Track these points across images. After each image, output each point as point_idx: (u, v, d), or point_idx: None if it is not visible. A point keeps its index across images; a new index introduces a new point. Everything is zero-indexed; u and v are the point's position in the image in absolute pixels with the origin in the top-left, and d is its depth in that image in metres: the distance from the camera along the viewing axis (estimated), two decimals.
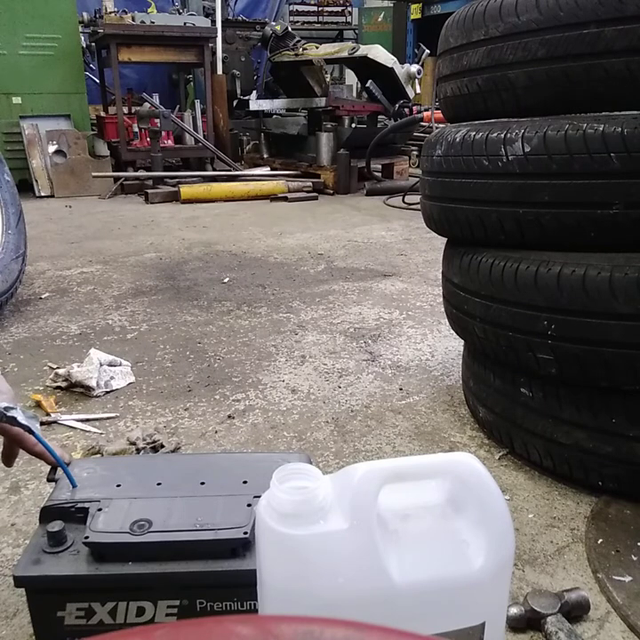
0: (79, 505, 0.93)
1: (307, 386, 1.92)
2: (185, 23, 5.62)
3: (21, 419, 0.91)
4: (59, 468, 1.00)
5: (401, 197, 5.05)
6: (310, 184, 5.44)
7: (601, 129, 1.12)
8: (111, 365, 1.95)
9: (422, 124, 5.59)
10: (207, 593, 0.87)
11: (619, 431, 1.24)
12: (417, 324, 2.42)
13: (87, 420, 1.71)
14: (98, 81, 6.66)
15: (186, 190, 5.13)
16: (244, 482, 0.97)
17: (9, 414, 0.90)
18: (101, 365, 1.91)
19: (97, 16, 6.09)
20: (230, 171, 5.81)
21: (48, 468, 1.01)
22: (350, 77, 9.26)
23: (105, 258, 3.47)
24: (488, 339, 1.38)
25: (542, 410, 1.35)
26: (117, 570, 0.85)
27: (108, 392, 1.87)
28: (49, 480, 1.00)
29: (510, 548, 0.69)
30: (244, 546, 0.87)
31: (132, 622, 0.87)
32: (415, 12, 9.38)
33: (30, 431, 0.93)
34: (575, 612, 1.03)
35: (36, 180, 5.43)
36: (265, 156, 6.35)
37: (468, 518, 0.69)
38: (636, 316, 1.13)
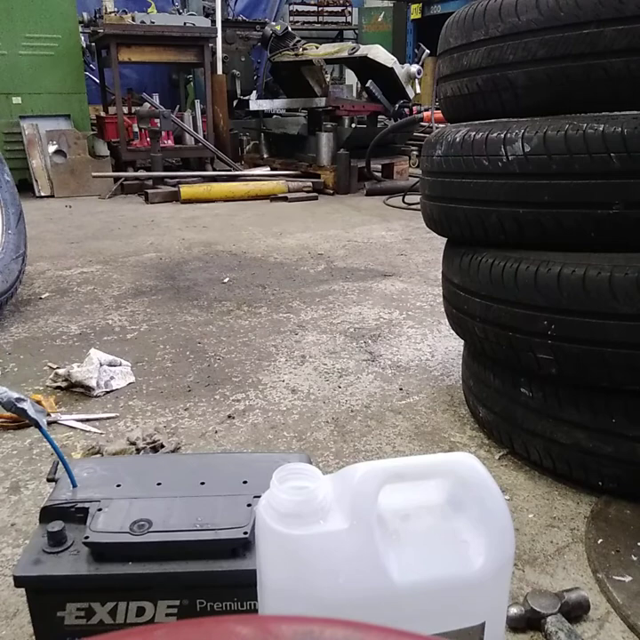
0: (79, 505, 0.93)
1: (307, 386, 1.92)
2: (185, 23, 5.62)
3: (31, 412, 0.93)
4: (59, 469, 1.00)
5: (401, 197, 5.05)
6: (310, 184, 5.44)
7: (601, 129, 1.12)
8: (111, 365, 1.95)
9: (422, 123, 5.59)
10: (207, 593, 0.87)
11: (619, 431, 1.24)
12: (417, 324, 2.42)
13: (87, 420, 1.71)
14: (98, 81, 6.66)
15: (186, 190, 5.13)
16: (244, 482, 0.97)
17: (19, 405, 0.92)
18: (101, 365, 1.91)
19: (97, 16, 6.09)
20: (230, 171, 5.81)
21: (48, 468, 1.01)
22: (350, 77, 9.26)
23: (105, 258, 3.47)
24: (488, 339, 1.38)
25: (542, 410, 1.35)
26: (117, 570, 0.85)
27: (108, 392, 1.87)
28: (49, 480, 1.00)
29: (510, 548, 0.69)
30: (244, 546, 0.87)
31: (132, 622, 0.87)
32: (415, 12, 9.38)
33: (38, 425, 0.94)
34: (575, 611, 1.03)
35: (36, 180, 5.43)
36: (265, 155, 6.35)
37: (468, 518, 0.69)
38: (636, 316, 1.13)
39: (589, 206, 1.16)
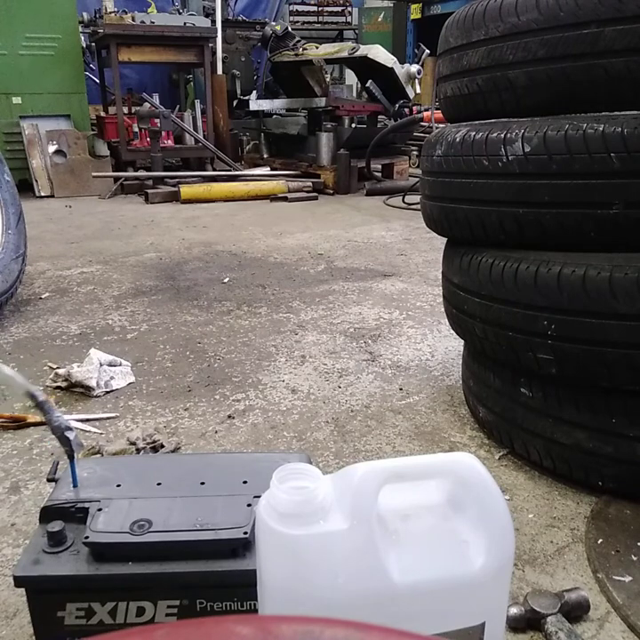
0: (79, 505, 0.93)
1: (307, 386, 1.92)
2: (185, 23, 5.62)
3: (74, 443, 0.96)
4: (59, 469, 1.01)
5: (401, 197, 5.05)
6: (310, 184, 5.44)
7: (601, 129, 1.12)
8: (111, 365, 1.95)
9: (422, 123, 5.59)
10: (207, 593, 0.87)
11: (619, 431, 1.24)
12: (417, 324, 2.42)
13: (87, 420, 1.71)
14: (98, 81, 6.66)
15: (186, 190, 5.13)
16: (244, 482, 0.97)
17: (66, 434, 0.95)
18: (101, 365, 1.91)
19: (97, 16, 6.09)
20: (230, 171, 5.81)
21: (48, 468, 1.02)
22: (350, 77, 9.27)
23: (105, 258, 3.47)
24: (488, 339, 1.38)
25: (542, 410, 1.35)
26: (117, 570, 0.85)
27: (108, 392, 1.87)
28: (49, 480, 1.00)
29: (510, 548, 0.69)
30: (244, 546, 0.87)
31: (132, 622, 0.87)
32: (415, 12, 9.38)
33: (71, 457, 0.96)
34: (575, 612, 1.03)
35: (36, 180, 5.43)
36: (265, 155, 6.35)
37: (468, 518, 0.69)
38: (635, 316, 1.13)
39: (589, 206, 1.16)
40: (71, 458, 0.96)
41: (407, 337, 2.30)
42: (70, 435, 0.95)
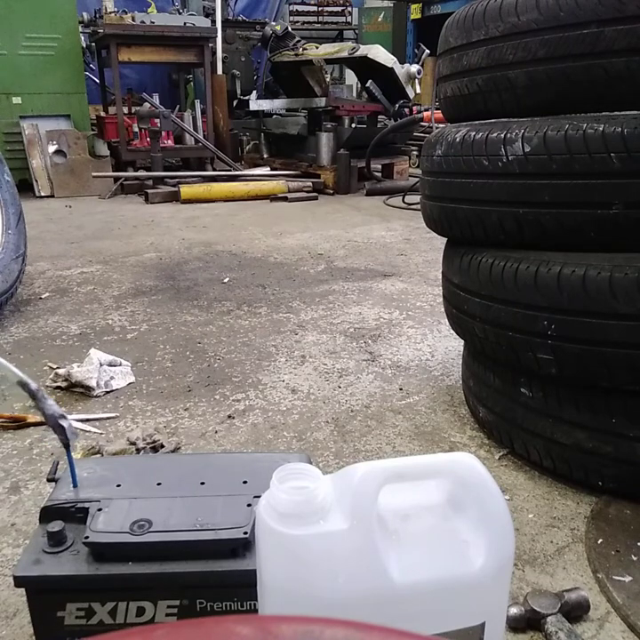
0: (79, 505, 0.93)
1: (307, 386, 1.92)
2: (185, 23, 5.62)
3: (68, 432, 0.95)
4: (59, 469, 1.01)
5: (401, 197, 5.05)
6: (310, 184, 5.44)
7: (601, 129, 1.12)
8: (111, 365, 1.95)
9: (422, 123, 5.59)
10: (207, 593, 0.87)
11: (619, 431, 1.24)
12: (417, 324, 2.42)
13: (87, 420, 1.71)
14: (98, 81, 6.66)
15: (186, 190, 5.13)
16: (244, 482, 0.97)
17: (60, 422, 0.94)
18: (101, 365, 1.91)
19: (97, 16, 6.09)
20: (230, 171, 5.81)
21: (48, 468, 1.01)
22: (350, 77, 9.27)
23: (105, 258, 3.47)
24: (488, 339, 1.38)
25: (542, 410, 1.35)
26: (117, 570, 0.85)
27: (108, 392, 1.87)
28: (49, 480, 1.00)
29: (510, 548, 0.69)
30: (244, 546, 0.87)
31: (132, 622, 0.87)
32: (415, 12, 9.38)
33: (67, 446, 0.95)
34: (575, 612, 1.03)
35: (36, 180, 5.43)
36: (265, 155, 6.35)
37: (468, 518, 0.69)
38: (636, 316, 1.13)
39: (589, 206, 1.16)
40: (67, 447, 0.95)
41: (407, 337, 2.30)
42: (64, 423, 0.94)
